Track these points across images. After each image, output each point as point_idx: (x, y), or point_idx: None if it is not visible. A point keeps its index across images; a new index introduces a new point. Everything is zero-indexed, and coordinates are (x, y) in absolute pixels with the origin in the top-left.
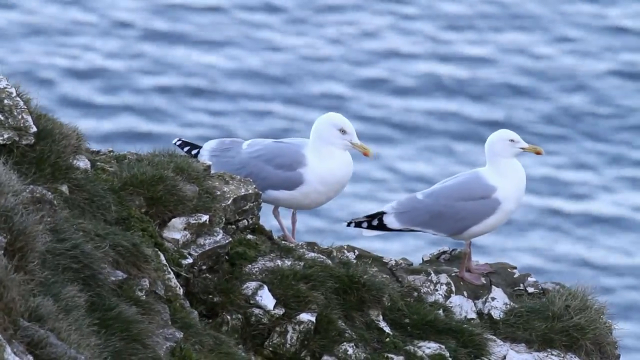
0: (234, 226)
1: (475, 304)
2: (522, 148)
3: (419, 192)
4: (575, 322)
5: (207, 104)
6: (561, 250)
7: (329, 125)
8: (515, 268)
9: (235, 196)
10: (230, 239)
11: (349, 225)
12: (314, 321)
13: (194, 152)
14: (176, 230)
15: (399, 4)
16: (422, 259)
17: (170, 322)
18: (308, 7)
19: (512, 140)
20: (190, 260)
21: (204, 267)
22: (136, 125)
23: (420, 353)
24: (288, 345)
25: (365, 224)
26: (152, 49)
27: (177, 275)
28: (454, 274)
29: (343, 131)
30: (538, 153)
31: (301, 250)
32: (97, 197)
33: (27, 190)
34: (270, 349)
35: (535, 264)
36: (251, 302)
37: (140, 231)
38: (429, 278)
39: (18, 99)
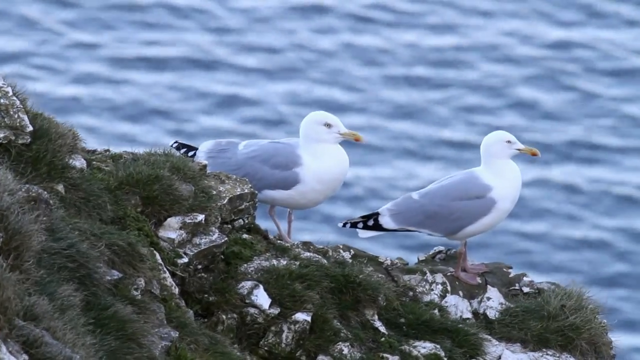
0: (229, 225)
1: (470, 303)
2: (519, 149)
3: (415, 192)
4: (571, 322)
5: None
6: None
7: (313, 123)
8: (510, 268)
9: (231, 196)
10: (226, 239)
11: (344, 225)
12: (310, 321)
13: (190, 153)
14: (172, 230)
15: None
16: (418, 259)
17: (165, 322)
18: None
19: (508, 142)
20: (185, 260)
21: (199, 267)
22: None
23: (415, 353)
24: (283, 345)
25: (360, 225)
26: None
27: (173, 275)
28: (449, 274)
29: (328, 125)
30: (534, 154)
31: (297, 249)
32: (93, 196)
33: (23, 190)
34: (266, 348)
35: None
36: (247, 301)
37: (136, 230)
38: (425, 278)
39: (14, 98)
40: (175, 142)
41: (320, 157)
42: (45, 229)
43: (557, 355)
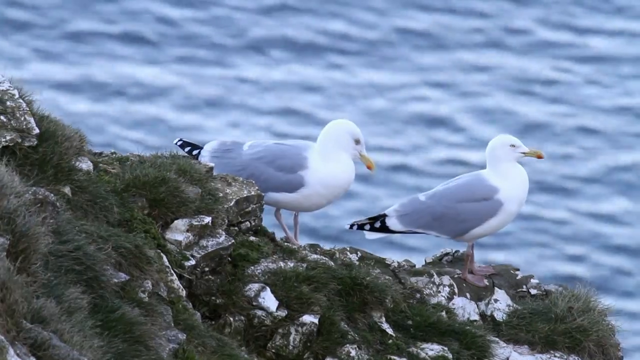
0: (236, 228)
1: (478, 305)
2: (523, 153)
3: (421, 193)
4: (578, 324)
5: None
6: None
7: (347, 133)
8: (518, 270)
9: (237, 198)
10: (233, 241)
11: (351, 227)
12: (317, 323)
13: (194, 152)
14: (179, 232)
15: None
16: (425, 261)
17: (173, 324)
18: None
19: (513, 146)
20: (192, 262)
21: (206, 269)
22: None
23: (423, 355)
24: (291, 347)
25: (367, 226)
26: None
27: (180, 277)
28: (456, 276)
29: (358, 141)
30: (539, 157)
31: (304, 251)
32: (100, 198)
33: (30, 192)
34: (273, 350)
35: None
36: (254, 303)
37: (143, 233)
38: (432, 280)
39: (21, 100)
40: (179, 140)
41: (329, 162)
42: (52, 231)
43: (565, 357)
